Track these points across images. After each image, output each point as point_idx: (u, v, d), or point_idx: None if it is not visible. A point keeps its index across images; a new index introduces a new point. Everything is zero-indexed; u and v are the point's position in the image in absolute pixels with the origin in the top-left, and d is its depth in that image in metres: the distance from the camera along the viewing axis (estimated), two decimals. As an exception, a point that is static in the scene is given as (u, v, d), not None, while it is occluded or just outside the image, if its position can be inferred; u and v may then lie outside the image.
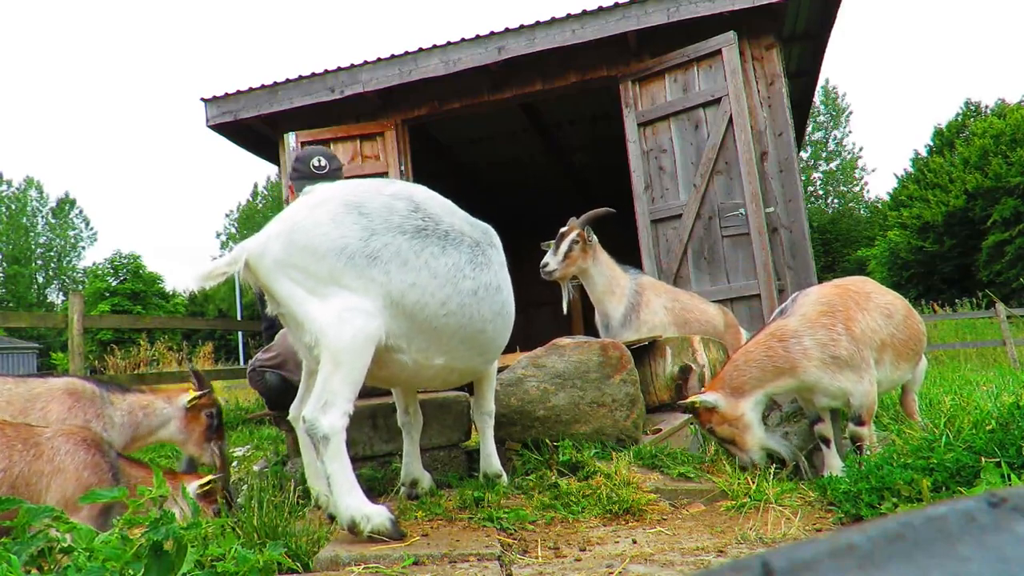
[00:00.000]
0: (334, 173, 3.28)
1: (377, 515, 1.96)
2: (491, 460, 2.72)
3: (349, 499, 1.96)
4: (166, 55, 78.78)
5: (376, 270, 2.06)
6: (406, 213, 2.18)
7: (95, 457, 2.24)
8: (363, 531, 1.93)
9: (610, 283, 4.26)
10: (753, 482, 2.50)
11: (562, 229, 4.22)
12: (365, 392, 2.27)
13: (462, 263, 2.26)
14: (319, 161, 3.46)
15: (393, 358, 2.17)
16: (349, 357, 1.98)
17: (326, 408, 1.96)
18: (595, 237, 4.27)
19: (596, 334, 4.14)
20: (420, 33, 70.79)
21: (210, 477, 2.51)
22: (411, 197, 2.25)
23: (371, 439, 3.04)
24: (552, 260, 4.14)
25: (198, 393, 2.92)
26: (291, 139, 7.06)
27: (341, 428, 1.97)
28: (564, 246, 4.15)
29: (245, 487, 2.82)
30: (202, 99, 7.35)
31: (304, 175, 3.40)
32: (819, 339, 2.66)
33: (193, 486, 2.47)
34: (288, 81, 7.16)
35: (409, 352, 2.19)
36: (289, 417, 2.39)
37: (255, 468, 3.55)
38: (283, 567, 1.78)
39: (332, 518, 2.18)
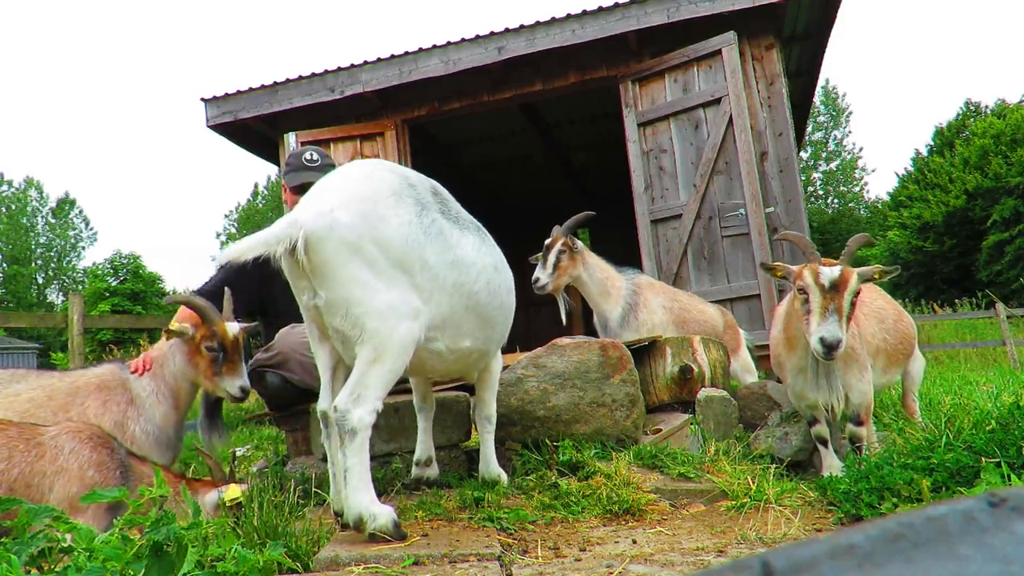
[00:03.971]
0: (325, 168, 3.28)
1: (383, 515, 1.96)
2: (490, 465, 2.71)
3: (361, 495, 1.96)
4: (166, 55, 78.80)
5: (428, 249, 2.02)
6: (432, 191, 2.20)
7: (101, 455, 2.20)
8: (367, 529, 1.93)
9: (604, 285, 4.26)
10: (753, 482, 2.50)
11: (547, 241, 4.21)
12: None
13: (477, 242, 2.28)
14: (311, 155, 3.48)
15: (427, 348, 2.13)
16: (392, 356, 1.95)
17: (358, 401, 1.94)
18: (580, 243, 4.27)
19: (596, 334, 4.14)
20: (420, 33, 70.84)
21: (239, 492, 2.35)
22: (426, 178, 2.27)
23: (371, 439, 3.03)
24: (543, 275, 4.13)
25: (189, 328, 2.77)
26: (291, 139, 7.06)
27: (369, 424, 1.96)
28: (552, 258, 4.13)
29: (245, 487, 2.81)
30: (202, 99, 7.35)
31: (295, 167, 3.45)
32: None
33: (212, 496, 2.37)
34: (288, 81, 7.16)
35: (443, 339, 2.16)
36: (319, 411, 2.20)
37: (255, 468, 3.54)
38: (283, 567, 1.78)
39: (338, 514, 2.16)
